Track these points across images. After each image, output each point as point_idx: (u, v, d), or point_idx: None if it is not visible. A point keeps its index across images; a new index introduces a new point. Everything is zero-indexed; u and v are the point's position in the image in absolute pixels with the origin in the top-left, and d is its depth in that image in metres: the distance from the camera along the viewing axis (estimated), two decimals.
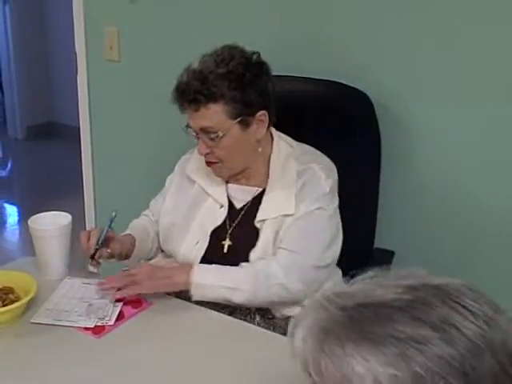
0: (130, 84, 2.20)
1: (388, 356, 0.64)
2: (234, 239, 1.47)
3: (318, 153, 1.49)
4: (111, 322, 1.31)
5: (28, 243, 1.55)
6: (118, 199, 2.25)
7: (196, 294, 1.37)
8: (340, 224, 1.45)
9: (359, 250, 1.57)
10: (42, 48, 4.57)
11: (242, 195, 1.49)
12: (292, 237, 1.40)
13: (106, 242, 1.43)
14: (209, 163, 1.45)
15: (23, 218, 3.43)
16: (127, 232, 1.55)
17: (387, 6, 1.62)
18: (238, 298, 1.36)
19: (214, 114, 1.36)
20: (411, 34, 1.61)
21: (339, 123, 1.60)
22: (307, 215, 1.40)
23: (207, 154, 1.42)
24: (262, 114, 1.40)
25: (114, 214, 1.44)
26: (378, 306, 0.68)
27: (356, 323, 0.67)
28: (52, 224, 1.46)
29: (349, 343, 0.66)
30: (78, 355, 1.24)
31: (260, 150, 1.45)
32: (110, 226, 1.44)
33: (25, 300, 1.31)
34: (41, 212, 1.49)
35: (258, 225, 1.44)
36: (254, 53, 1.41)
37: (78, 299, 1.39)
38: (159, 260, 1.57)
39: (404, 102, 1.65)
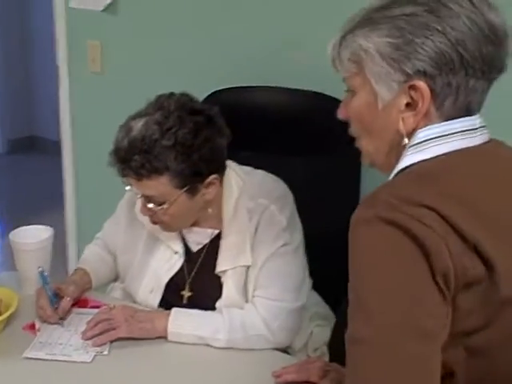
0: (113, 97, 2.20)
1: (384, 30, 0.88)
2: (195, 289, 1.41)
3: (270, 180, 1.43)
4: (106, 352, 1.30)
5: (10, 258, 1.54)
6: (99, 214, 2.24)
7: (173, 340, 1.32)
8: (304, 249, 1.41)
9: (339, 262, 1.56)
10: (24, 61, 4.55)
11: (198, 238, 1.43)
12: (266, 284, 1.35)
13: (58, 296, 1.38)
14: (153, 222, 1.37)
15: (5, 232, 3.39)
16: (79, 266, 1.49)
17: None
18: (216, 345, 1.32)
19: (159, 185, 1.28)
20: None
21: (320, 133, 1.61)
22: (273, 257, 1.35)
23: (150, 215, 1.35)
24: (213, 178, 1.33)
25: (40, 269, 1.37)
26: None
27: (364, 19, 0.90)
28: (33, 237, 1.45)
29: (355, 30, 0.90)
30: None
31: (210, 210, 1.38)
32: (46, 283, 1.37)
33: (5, 315, 1.29)
34: (22, 226, 1.48)
35: (219, 274, 1.38)
36: (206, 108, 1.33)
37: (73, 331, 1.35)
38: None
39: None
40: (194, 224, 1.42)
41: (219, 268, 1.38)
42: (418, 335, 0.81)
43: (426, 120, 0.90)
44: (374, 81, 0.91)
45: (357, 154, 1.60)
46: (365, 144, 0.97)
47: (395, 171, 0.91)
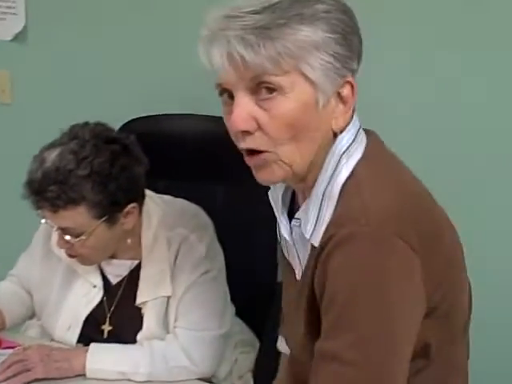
0: (25, 128, 2.13)
1: (323, 25, 0.83)
2: (115, 323, 1.38)
3: (189, 208, 1.42)
4: None
5: None
6: (11, 249, 2.15)
7: (92, 377, 1.28)
8: (225, 276, 1.40)
9: (263, 288, 1.57)
10: None
11: (117, 270, 1.40)
12: (186, 313, 1.33)
13: None
14: (70, 255, 1.33)
15: None
16: None
17: None
18: (138, 379, 1.28)
19: (76, 216, 1.25)
20: None
21: (239, 159, 1.61)
22: (193, 286, 1.34)
23: (67, 248, 1.31)
24: (132, 207, 1.30)
25: None
26: None
27: (292, 14, 0.82)
28: None
29: (290, 24, 0.82)
30: None
31: (129, 241, 1.35)
32: None
33: None
34: None
35: (139, 306, 1.35)
36: (122, 136, 1.31)
37: None
38: None
39: None
40: (113, 256, 1.39)
41: (139, 299, 1.35)
42: (405, 360, 0.82)
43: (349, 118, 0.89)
44: (318, 77, 0.83)
45: None
46: (288, 153, 0.85)
47: (340, 181, 0.87)
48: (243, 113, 0.84)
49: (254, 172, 0.90)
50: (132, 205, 1.31)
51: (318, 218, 0.89)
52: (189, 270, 1.34)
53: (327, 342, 0.82)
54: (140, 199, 1.34)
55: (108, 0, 1.91)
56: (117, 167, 1.26)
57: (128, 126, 1.66)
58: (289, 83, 0.83)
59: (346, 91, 0.87)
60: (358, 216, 0.82)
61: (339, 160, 0.88)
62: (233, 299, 1.45)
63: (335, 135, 0.88)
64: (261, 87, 0.83)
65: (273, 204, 1.01)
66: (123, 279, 1.39)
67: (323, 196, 0.88)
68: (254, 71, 0.82)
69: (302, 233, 0.91)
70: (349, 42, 0.86)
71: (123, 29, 1.90)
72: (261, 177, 0.89)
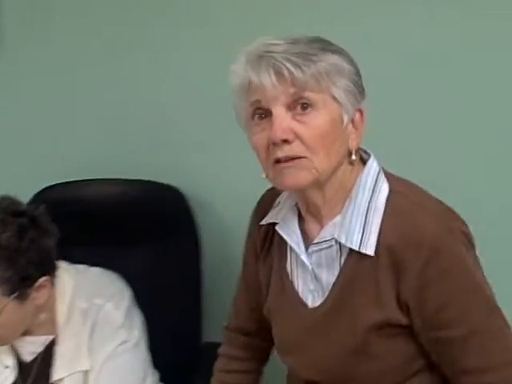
0: None
1: (343, 56, 1.00)
2: None
3: (104, 276, 1.40)
4: None
5: None
6: None
7: None
8: (146, 343, 1.38)
9: (186, 349, 1.55)
10: None
11: (31, 347, 1.34)
12: None
13: None
14: None
15: None
16: None
17: (196, 98, 1.67)
18: None
19: None
20: (218, 126, 1.66)
21: (155, 223, 1.61)
22: (112, 357, 1.29)
23: None
24: (43, 281, 1.27)
25: None
26: None
27: (322, 47, 0.99)
28: None
29: (325, 51, 0.99)
30: None
31: (43, 316, 1.31)
32: None
33: None
34: None
35: (55, 383, 1.30)
36: (30, 208, 1.28)
37: None
38: None
39: (216, 192, 1.71)
40: (26, 332, 1.33)
41: (55, 376, 1.30)
42: None
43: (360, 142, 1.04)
44: (343, 99, 0.98)
45: (194, 238, 1.65)
46: (320, 161, 0.97)
47: (383, 196, 1.01)
48: (283, 123, 0.96)
49: (277, 179, 1.00)
50: (44, 278, 1.27)
51: (364, 228, 1.00)
52: (106, 342, 1.30)
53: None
54: (52, 271, 1.30)
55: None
56: (25, 241, 1.23)
57: (41, 195, 1.63)
58: (322, 101, 0.97)
59: (357, 117, 1.02)
60: (429, 225, 0.96)
61: (377, 178, 1.03)
62: (157, 366, 1.42)
63: (350, 154, 1.03)
64: (297, 104, 0.97)
65: (285, 235, 1.10)
66: (37, 356, 1.34)
67: (368, 209, 1.01)
68: (298, 87, 0.95)
69: (336, 250, 1.03)
70: (360, 77, 1.02)
71: (31, 96, 1.87)
72: (289, 180, 0.99)
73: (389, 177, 1.05)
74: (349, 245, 1.01)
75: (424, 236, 0.96)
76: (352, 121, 1.01)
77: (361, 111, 1.03)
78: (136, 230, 1.62)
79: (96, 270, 1.41)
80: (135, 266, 1.58)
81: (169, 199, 1.65)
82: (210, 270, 1.69)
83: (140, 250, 1.62)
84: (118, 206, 1.63)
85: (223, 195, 1.70)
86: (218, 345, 1.70)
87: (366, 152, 1.08)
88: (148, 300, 1.43)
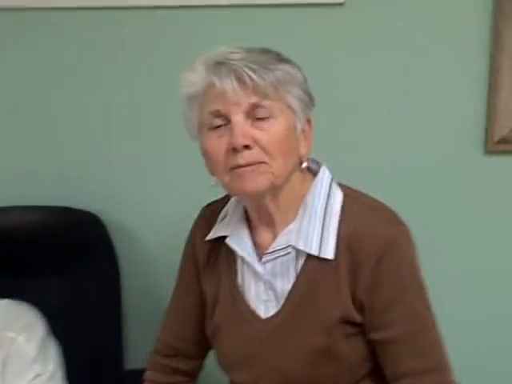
0: None
1: (294, 68, 1.05)
2: None
3: (15, 308, 1.34)
4: None
5: None
6: None
7: None
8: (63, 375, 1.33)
9: (108, 377, 1.51)
10: None
11: None
12: None
13: None
14: None
15: None
16: None
17: (117, 130, 1.65)
18: None
19: None
20: (137, 157, 1.65)
21: (72, 249, 1.56)
22: None
23: None
24: None
25: None
26: None
27: (275, 58, 1.03)
28: None
29: (280, 63, 1.02)
30: None
31: None
32: None
33: None
34: None
35: None
36: None
37: None
38: None
39: (134, 217, 1.68)
40: None
41: None
42: None
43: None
44: (297, 108, 1.03)
45: (114, 264, 1.62)
46: (278, 166, 1.00)
47: (338, 202, 1.06)
48: (244, 130, 0.99)
49: (235, 184, 1.02)
50: None
51: (322, 233, 1.04)
52: (19, 376, 1.24)
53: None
54: None
55: None
56: None
57: None
58: (279, 109, 1.01)
59: (306, 127, 1.07)
60: (382, 225, 1.03)
61: (330, 185, 1.08)
62: None
63: (301, 163, 1.07)
64: (255, 112, 1.00)
65: (236, 247, 1.10)
66: None
67: (324, 214, 1.05)
68: (259, 94, 0.98)
69: (293, 257, 1.06)
70: (308, 87, 1.06)
71: None
72: (250, 186, 1.01)
73: (339, 184, 1.10)
74: (308, 250, 1.04)
75: (378, 235, 1.01)
76: (302, 129, 1.05)
77: (309, 120, 1.07)
78: (51, 258, 1.56)
79: (6, 303, 1.34)
80: (51, 295, 1.53)
81: (86, 225, 1.61)
82: (130, 297, 1.67)
83: (56, 279, 1.56)
84: (31, 234, 1.58)
85: (142, 220, 1.68)
86: (141, 371, 1.69)
87: (316, 162, 1.12)
88: (66, 330, 1.39)
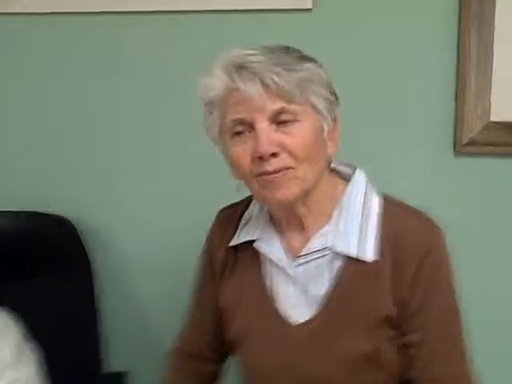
0: None
1: (319, 68, 1.00)
2: None
3: None
4: None
5: None
6: None
7: None
8: (42, 380, 1.31)
9: (85, 380, 1.51)
10: None
11: None
12: None
13: None
14: None
15: None
16: None
17: (91, 134, 1.64)
18: None
19: None
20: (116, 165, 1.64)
21: (43, 256, 1.55)
22: None
23: None
24: None
25: None
26: None
27: (299, 57, 0.99)
28: None
29: (303, 62, 0.98)
30: None
31: None
32: None
33: None
34: None
35: None
36: None
37: None
38: None
39: (109, 223, 1.68)
40: None
41: None
42: None
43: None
44: (323, 109, 0.99)
45: (88, 270, 1.61)
46: (304, 171, 0.97)
47: (375, 203, 1.04)
48: (270, 138, 0.94)
49: (264, 192, 0.98)
50: None
51: (360, 235, 1.01)
52: None
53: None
54: None
55: None
56: None
57: None
58: (304, 112, 0.97)
59: (333, 126, 1.02)
60: (424, 229, 1.01)
61: (366, 186, 1.05)
62: None
63: (329, 164, 1.05)
64: (279, 117, 0.95)
65: (266, 251, 1.07)
66: None
67: (362, 216, 1.02)
68: (284, 98, 0.94)
69: (329, 260, 1.02)
70: (333, 86, 1.01)
71: None
72: (283, 194, 0.97)
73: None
74: (346, 252, 1.01)
75: (421, 238, 1.00)
76: (328, 130, 1.01)
77: (335, 119, 1.03)
78: (24, 262, 1.55)
79: None
80: (25, 301, 1.51)
81: (57, 229, 1.59)
82: (106, 300, 1.67)
83: (29, 283, 1.55)
84: (2, 239, 1.56)
85: (115, 223, 1.67)
86: (118, 374, 1.70)
87: (349, 164, 1.10)
88: (42, 335, 1.37)
